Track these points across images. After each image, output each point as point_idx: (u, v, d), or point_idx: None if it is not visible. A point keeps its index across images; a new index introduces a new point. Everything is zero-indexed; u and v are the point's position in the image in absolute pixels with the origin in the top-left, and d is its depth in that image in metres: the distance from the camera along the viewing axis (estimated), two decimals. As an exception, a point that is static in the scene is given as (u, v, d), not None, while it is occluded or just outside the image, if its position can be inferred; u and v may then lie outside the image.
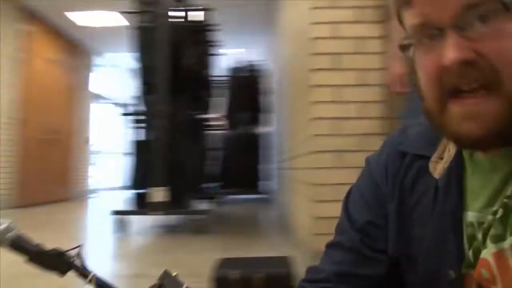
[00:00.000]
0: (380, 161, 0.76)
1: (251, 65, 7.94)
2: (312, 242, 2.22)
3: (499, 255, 0.57)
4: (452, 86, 0.55)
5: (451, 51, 0.52)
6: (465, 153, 0.64)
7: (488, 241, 0.59)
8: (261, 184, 7.44)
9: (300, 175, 2.83)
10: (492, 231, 0.59)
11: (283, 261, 1.85)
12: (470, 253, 0.61)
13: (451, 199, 0.63)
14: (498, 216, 0.58)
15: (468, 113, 0.54)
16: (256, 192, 7.36)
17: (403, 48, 0.60)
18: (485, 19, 0.52)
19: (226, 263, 1.86)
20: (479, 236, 0.61)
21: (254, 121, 7.75)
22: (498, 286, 0.57)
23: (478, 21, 0.52)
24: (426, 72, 0.58)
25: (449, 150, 0.66)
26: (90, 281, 0.80)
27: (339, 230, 0.77)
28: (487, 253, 0.59)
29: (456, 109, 0.55)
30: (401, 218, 0.70)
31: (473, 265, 0.61)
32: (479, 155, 0.62)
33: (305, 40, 2.43)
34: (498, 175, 0.60)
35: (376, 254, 0.71)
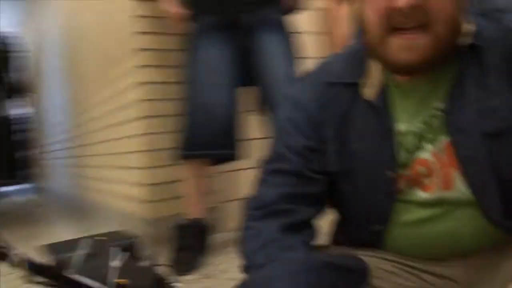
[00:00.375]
0: (309, 95, 0.85)
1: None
2: (145, 210, 2.18)
3: (436, 154, 0.76)
4: (397, 23, 0.69)
5: None
6: (389, 78, 0.79)
7: (427, 144, 0.76)
8: (23, 172, 6.59)
9: (116, 146, 2.69)
10: (429, 136, 0.76)
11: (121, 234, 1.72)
12: (404, 156, 0.77)
13: (384, 114, 0.78)
14: (433, 126, 0.75)
15: (407, 45, 0.69)
16: (16, 182, 6.46)
17: None
18: None
19: (61, 246, 1.62)
20: (412, 141, 0.77)
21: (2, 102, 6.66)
22: (433, 177, 0.76)
23: None
24: (376, 9, 0.70)
25: (374, 76, 0.80)
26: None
27: (276, 158, 0.84)
28: (426, 153, 0.76)
29: (397, 41, 0.70)
30: (340, 138, 0.81)
31: (406, 166, 0.77)
32: (401, 79, 0.78)
33: (124, 3, 2.31)
34: (419, 93, 0.77)
35: (315, 174, 0.82)
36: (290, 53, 1.86)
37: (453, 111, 0.74)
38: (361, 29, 0.76)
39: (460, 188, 0.75)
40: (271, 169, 0.84)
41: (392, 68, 0.75)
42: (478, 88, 0.74)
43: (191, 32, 1.84)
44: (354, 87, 0.82)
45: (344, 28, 2.41)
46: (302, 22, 2.10)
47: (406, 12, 0.67)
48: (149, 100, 2.15)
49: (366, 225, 0.82)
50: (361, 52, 0.82)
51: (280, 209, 0.80)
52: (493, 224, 0.75)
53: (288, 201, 0.80)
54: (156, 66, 2.15)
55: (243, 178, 2.21)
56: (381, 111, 0.78)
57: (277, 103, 1.76)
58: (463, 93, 0.74)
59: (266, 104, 1.83)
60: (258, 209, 0.81)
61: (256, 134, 2.04)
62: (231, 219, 2.01)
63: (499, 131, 0.72)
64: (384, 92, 0.79)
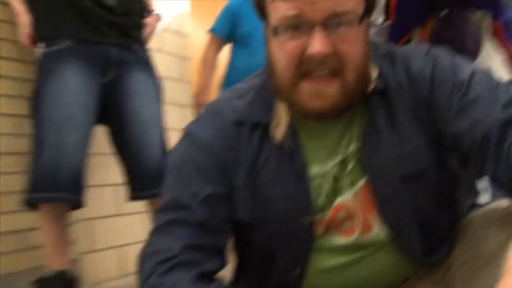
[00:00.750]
0: (214, 133, 0.78)
1: None
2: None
3: (355, 197, 0.76)
4: (309, 70, 0.69)
5: (318, 44, 0.66)
6: (298, 120, 0.77)
7: (344, 187, 0.76)
8: None
9: None
10: (346, 180, 0.76)
11: None
12: (321, 200, 0.76)
13: (296, 157, 0.76)
14: (349, 168, 0.76)
15: (317, 92, 0.70)
16: None
17: (275, 32, 0.70)
18: (344, 25, 0.68)
19: None
20: (329, 184, 0.76)
21: None
22: (353, 221, 0.76)
23: (339, 26, 0.68)
24: (288, 55, 0.69)
25: (283, 117, 0.77)
26: None
27: (176, 206, 0.75)
28: (346, 197, 0.76)
29: (308, 87, 0.70)
30: (252, 183, 0.76)
31: (323, 210, 0.76)
32: (309, 122, 0.77)
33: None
34: (331, 136, 0.77)
35: (222, 224, 0.76)
36: (157, 95, 1.77)
37: (369, 153, 0.75)
38: (269, 72, 0.75)
39: (379, 230, 0.75)
40: (170, 219, 0.75)
41: (302, 113, 0.74)
42: (391, 132, 0.75)
43: (44, 58, 1.62)
44: (262, 127, 0.78)
45: (210, 76, 2.44)
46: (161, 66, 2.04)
47: (318, 60, 0.67)
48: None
49: (283, 272, 0.78)
50: (267, 91, 0.79)
51: (188, 260, 0.72)
52: (412, 262, 0.78)
53: (195, 252, 0.73)
54: (7, 96, 1.87)
55: (104, 226, 2.02)
56: (292, 154, 0.76)
57: (144, 147, 1.68)
58: (377, 136, 0.75)
59: (126, 147, 1.70)
60: (163, 263, 0.72)
61: (114, 179, 1.90)
62: (92, 272, 1.80)
63: (413, 173, 0.74)
64: (294, 134, 0.77)
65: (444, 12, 1.51)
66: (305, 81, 0.70)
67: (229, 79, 2.43)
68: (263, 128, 0.77)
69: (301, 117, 0.76)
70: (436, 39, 1.49)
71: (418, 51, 0.80)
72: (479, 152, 0.69)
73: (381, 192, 0.74)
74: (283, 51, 0.70)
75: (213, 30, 2.46)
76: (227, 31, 2.42)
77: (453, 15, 1.51)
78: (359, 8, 0.69)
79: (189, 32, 2.75)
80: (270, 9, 0.71)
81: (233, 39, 2.44)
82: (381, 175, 0.74)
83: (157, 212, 0.79)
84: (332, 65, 0.68)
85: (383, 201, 0.74)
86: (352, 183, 0.76)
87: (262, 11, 0.73)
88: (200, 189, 0.75)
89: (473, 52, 1.56)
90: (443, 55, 0.78)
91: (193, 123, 0.83)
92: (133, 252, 1.74)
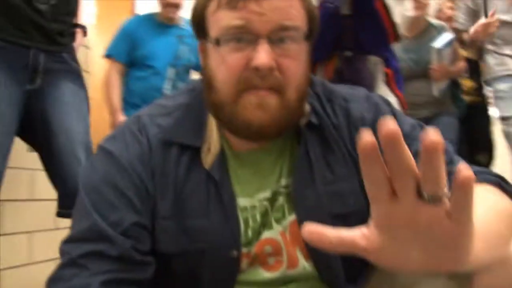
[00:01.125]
0: (138, 155, 0.71)
1: None
2: None
3: (283, 233, 0.73)
4: (252, 83, 0.66)
5: (264, 57, 0.64)
6: (226, 147, 0.75)
7: (274, 223, 0.74)
8: None
9: None
10: (274, 215, 0.74)
11: None
12: (248, 234, 0.73)
13: (225, 189, 0.72)
14: (278, 202, 0.74)
15: (259, 103, 0.66)
16: None
17: (217, 42, 0.67)
18: (289, 40, 0.67)
19: None
20: (256, 218, 0.73)
21: None
22: (279, 257, 0.73)
23: (283, 41, 0.66)
24: (231, 67, 0.66)
25: (214, 143, 0.73)
26: None
27: (95, 236, 0.66)
28: (274, 232, 0.73)
29: (250, 99, 0.66)
30: (178, 212, 0.70)
31: (250, 244, 0.73)
32: (240, 150, 0.75)
33: None
34: (261, 168, 0.75)
35: (145, 257, 0.69)
36: (86, 107, 1.63)
37: (300, 189, 0.73)
38: (206, 88, 0.71)
39: (304, 266, 0.74)
40: (89, 251, 0.65)
41: (245, 127, 0.69)
42: (324, 170, 0.74)
43: None
44: (191, 151, 0.73)
45: (118, 97, 2.36)
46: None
47: (263, 73, 0.65)
48: None
49: None
50: (197, 111, 0.75)
51: None
52: None
53: (113, 287, 0.65)
54: None
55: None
56: (221, 184, 0.72)
57: (71, 162, 1.52)
58: (309, 172, 0.73)
59: (53, 160, 1.54)
60: None
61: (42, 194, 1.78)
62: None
63: (344, 214, 0.73)
64: (223, 163, 0.73)
65: (348, 53, 1.62)
66: (245, 94, 0.67)
67: (125, 103, 2.39)
68: (193, 151, 0.72)
69: (236, 140, 0.74)
70: (339, 77, 1.60)
71: (357, 94, 0.80)
72: None
73: None
74: (225, 63, 0.67)
75: (111, 55, 2.41)
76: (125, 55, 2.37)
77: (355, 58, 1.63)
78: (304, 27, 0.69)
79: (92, 44, 2.64)
80: (211, 21, 0.69)
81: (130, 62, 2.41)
82: (310, 212, 0.72)
83: (68, 240, 0.68)
84: (275, 80, 0.66)
85: None
86: (281, 218, 0.74)
87: (200, 25, 0.70)
88: (123, 218, 0.67)
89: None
90: (383, 104, 0.79)
91: (112, 140, 0.74)
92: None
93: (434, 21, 2.57)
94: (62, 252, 0.67)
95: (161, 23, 2.46)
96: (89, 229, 0.66)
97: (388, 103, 0.80)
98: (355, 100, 0.78)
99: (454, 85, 2.63)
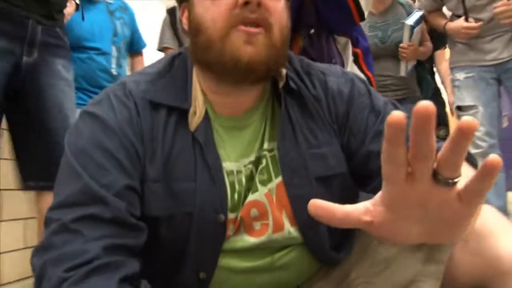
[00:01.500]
0: (126, 118, 0.70)
1: None
2: None
3: (269, 195, 0.75)
4: (242, 19, 0.68)
5: None
6: (211, 111, 0.76)
7: (259, 185, 0.75)
8: None
9: None
10: (259, 177, 0.75)
11: None
12: (234, 198, 0.74)
13: (210, 152, 0.73)
14: (263, 165, 0.76)
15: (248, 39, 0.68)
16: None
17: None
18: None
19: None
20: (242, 182, 0.75)
21: None
22: (264, 220, 0.75)
23: None
24: (220, 6, 0.69)
25: (199, 106, 0.74)
26: None
27: (87, 198, 0.64)
28: (259, 195, 0.75)
29: (238, 36, 0.68)
30: (166, 175, 0.70)
31: (236, 209, 0.74)
32: (222, 115, 0.77)
33: None
34: (245, 132, 0.77)
35: (138, 220, 0.68)
36: (73, 84, 1.62)
37: (285, 151, 0.75)
38: (194, 34, 0.73)
39: (289, 230, 0.75)
40: (81, 215, 0.63)
41: (230, 64, 0.69)
42: (307, 134, 0.76)
43: None
44: (178, 113, 0.73)
45: None
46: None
47: (252, 7, 0.67)
48: None
49: (188, 273, 0.74)
50: (183, 76, 0.76)
51: (108, 264, 0.61)
52: (321, 261, 0.80)
53: (113, 253, 0.63)
54: None
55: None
56: (205, 147, 0.73)
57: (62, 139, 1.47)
58: (293, 136, 0.75)
59: (41, 135, 1.49)
60: (76, 268, 0.59)
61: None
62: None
63: (327, 176, 0.76)
64: (209, 127, 0.74)
65: (312, 31, 1.58)
66: (234, 31, 0.68)
67: None
68: (180, 113, 0.73)
69: (219, 103, 0.76)
70: (305, 56, 1.60)
71: (334, 69, 0.84)
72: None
73: (295, 191, 0.74)
74: (213, 4, 0.69)
75: None
76: None
77: (320, 36, 1.60)
78: None
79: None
80: None
81: None
82: (296, 174, 0.74)
83: (57, 206, 0.65)
84: (262, 16, 0.69)
85: (296, 200, 0.74)
86: (266, 180, 0.75)
87: None
88: (115, 180, 0.65)
89: None
90: (357, 80, 0.82)
91: (97, 104, 0.72)
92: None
93: None
94: (50, 219, 0.64)
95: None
96: (80, 192, 0.64)
97: (362, 80, 0.83)
98: (332, 74, 0.82)
99: (420, 66, 2.58)
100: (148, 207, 0.69)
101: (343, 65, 1.62)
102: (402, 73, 2.39)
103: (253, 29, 0.68)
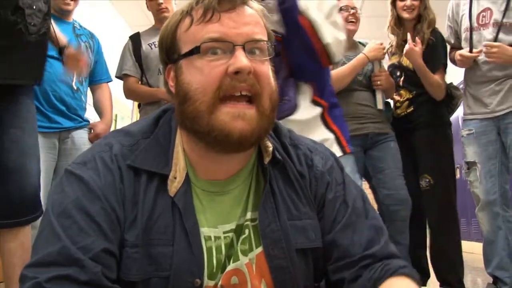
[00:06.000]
0: (109, 182, 0.72)
1: None
2: None
3: (249, 264, 0.77)
4: (229, 90, 0.70)
5: (244, 60, 0.70)
6: (192, 176, 0.77)
7: (240, 255, 0.77)
8: None
9: None
10: (241, 247, 0.77)
11: None
12: (213, 263, 0.75)
13: (188, 216, 0.74)
14: (245, 235, 0.78)
15: (238, 114, 0.71)
16: None
17: (190, 54, 0.72)
18: (259, 51, 0.74)
19: None
20: (221, 249, 0.76)
21: None
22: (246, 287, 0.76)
23: (255, 51, 0.74)
24: (209, 74, 0.70)
25: (180, 171, 0.75)
26: None
27: (65, 260, 0.65)
28: (240, 264, 0.77)
29: (228, 110, 0.70)
30: (145, 240, 0.72)
31: (215, 275, 0.75)
32: (204, 180, 0.78)
33: None
34: (225, 201, 0.78)
35: (112, 283, 0.68)
36: (35, 120, 1.60)
37: (266, 223, 0.77)
38: (180, 102, 0.74)
39: None
40: (55, 274, 0.64)
41: (221, 138, 0.71)
42: (289, 207, 0.79)
43: None
44: (159, 177, 0.75)
45: None
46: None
47: (242, 77, 0.70)
48: None
49: None
50: (165, 139, 0.78)
51: None
52: None
53: None
54: None
55: None
56: (184, 211, 0.74)
57: (23, 176, 1.46)
58: (274, 207, 0.78)
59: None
60: None
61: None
62: None
63: (307, 248, 0.79)
64: (187, 191, 0.76)
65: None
66: (224, 105, 0.71)
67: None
68: (161, 178, 0.75)
69: (202, 168, 0.78)
70: None
71: (320, 149, 0.88)
72: (349, 265, 0.77)
73: (276, 261, 0.77)
74: (203, 72, 0.71)
75: None
76: None
77: (277, 73, 1.53)
78: (268, 42, 0.76)
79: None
80: (183, 38, 0.75)
81: None
82: (276, 245, 0.77)
83: (34, 264, 0.66)
84: (252, 84, 0.71)
85: (277, 270, 0.77)
86: (247, 250, 0.77)
87: (171, 46, 0.76)
88: (93, 243, 0.67)
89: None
90: (337, 167, 0.87)
91: (82, 166, 0.74)
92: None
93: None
94: (25, 277, 0.65)
95: (55, 17, 2.18)
96: (58, 253, 0.65)
97: (341, 167, 0.88)
98: (318, 154, 0.86)
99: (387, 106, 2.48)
100: (125, 272, 0.71)
101: (295, 107, 1.54)
102: (379, 105, 2.33)
103: (242, 106, 0.71)
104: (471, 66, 2.25)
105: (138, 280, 0.71)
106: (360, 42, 2.49)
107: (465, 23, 2.26)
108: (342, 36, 1.55)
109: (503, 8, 2.14)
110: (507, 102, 2.11)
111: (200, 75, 0.71)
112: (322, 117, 1.59)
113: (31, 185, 1.50)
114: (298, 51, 1.51)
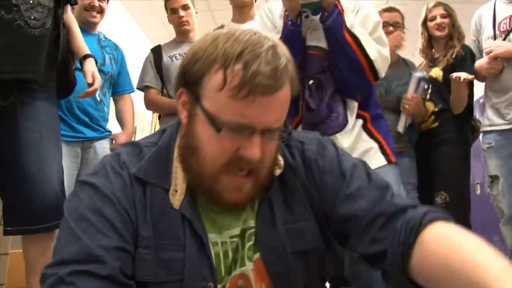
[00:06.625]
0: (121, 188, 0.76)
1: None
2: None
3: (254, 269, 0.80)
4: (235, 169, 0.74)
5: (257, 152, 0.72)
6: (196, 190, 0.79)
7: (247, 260, 0.80)
8: None
9: None
10: (245, 252, 0.80)
11: None
12: (221, 268, 0.78)
13: (197, 225, 0.77)
14: (248, 241, 0.80)
15: (237, 187, 0.75)
16: None
17: (217, 125, 0.72)
18: (273, 135, 0.75)
19: None
20: (228, 253, 0.79)
21: None
22: None
23: (270, 135, 0.74)
24: (223, 150, 0.73)
25: (180, 184, 0.78)
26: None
27: (86, 257, 0.68)
28: (246, 269, 0.80)
29: (229, 182, 0.75)
30: (156, 245, 0.75)
31: (223, 279, 0.78)
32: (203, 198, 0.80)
33: None
34: (228, 210, 0.80)
35: (129, 280, 0.72)
36: (57, 125, 1.60)
37: (263, 231, 0.80)
38: (188, 151, 0.77)
39: None
40: (78, 269, 0.67)
41: (217, 201, 0.77)
42: (284, 211, 0.81)
43: None
44: (164, 190, 0.78)
45: None
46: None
47: (251, 163, 0.73)
48: None
49: None
50: (166, 154, 0.80)
51: None
52: None
53: None
54: None
55: None
56: (193, 220, 0.77)
57: (42, 179, 1.47)
58: (271, 214, 0.80)
59: (18, 178, 1.46)
60: None
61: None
62: None
63: (303, 251, 0.81)
64: (191, 200, 0.78)
65: (311, 82, 1.58)
66: (226, 175, 0.74)
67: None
68: (163, 191, 0.78)
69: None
70: (305, 106, 1.58)
71: (310, 137, 0.89)
72: (364, 232, 0.77)
73: (274, 268, 0.79)
74: (218, 144, 0.72)
75: None
76: None
77: (323, 89, 1.57)
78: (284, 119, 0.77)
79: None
80: (209, 92, 0.72)
81: None
82: (273, 252, 0.79)
83: (55, 264, 0.69)
84: (255, 165, 0.74)
85: (276, 275, 0.79)
86: (252, 257, 0.80)
87: (193, 79, 0.74)
88: (110, 242, 0.71)
89: None
90: (329, 144, 0.88)
91: (94, 175, 0.78)
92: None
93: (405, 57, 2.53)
94: (46, 275, 0.68)
95: (81, 28, 2.23)
96: (78, 252, 0.69)
97: (333, 143, 0.90)
98: (309, 142, 0.88)
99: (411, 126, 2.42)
100: (137, 273, 0.73)
101: (346, 123, 1.57)
102: (400, 128, 2.26)
103: (243, 179, 0.75)
104: (490, 77, 2.24)
105: (149, 281, 0.74)
106: (404, 60, 2.50)
107: (488, 32, 2.26)
108: (387, 52, 1.57)
109: None
110: None
111: (215, 142, 0.73)
112: (365, 128, 1.60)
113: (51, 191, 1.50)
114: (343, 67, 1.52)
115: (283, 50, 0.73)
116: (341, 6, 1.50)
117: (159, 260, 0.74)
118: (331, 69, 1.55)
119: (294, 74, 0.75)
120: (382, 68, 1.54)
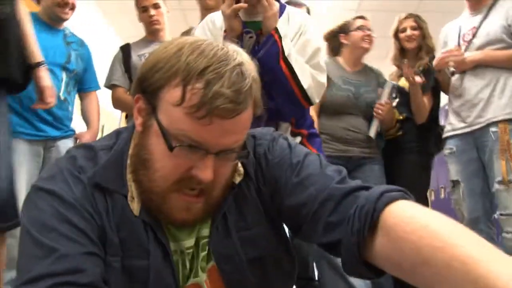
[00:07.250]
0: (82, 194, 0.72)
1: None
2: None
3: (208, 280, 0.79)
4: (186, 188, 0.71)
5: (209, 174, 0.69)
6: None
7: (200, 271, 0.78)
8: None
9: None
10: (201, 264, 0.79)
11: None
12: (180, 277, 0.77)
13: (158, 233, 0.75)
14: (202, 250, 0.79)
15: (186, 207, 0.73)
16: None
17: (169, 141, 0.68)
18: (230, 155, 0.72)
19: None
20: (186, 263, 0.78)
21: None
22: None
23: (226, 156, 0.71)
24: (174, 167, 0.70)
25: (134, 192, 0.75)
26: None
27: (60, 269, 0.64)
28: (200, 280, 0.78)
29: (178, 201, 0.72)
30: (122, 252, 0.73)
31: (181, 287, 0.77)
32: None
33: None
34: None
35: (107, 287, 0.70)
36: (8, 123, 1.54)
37: (217, 240, 0.78)
38: (139, 162, 0.74)
39: None
40: (59, 282, 0.63)
41: (165, 218, 0.75)
42: (238, 219, 0.79)
43: None
44: (123, 196, 0.75)
45: None
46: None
47: (202, 184, 0.70)
48: None
49: None
50: (120, 160, 0.77)
51: None
52: None
53: None
54: None
55: None
56: (156, 230, 0.75)
57: None
58: (225, 225, 0.79)
59: None
60: None
61: None
62: None
63: (259, 257, 0.80)
64: (149, 211, 0.75)
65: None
66: (176, 194, 0.72)
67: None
68: (122, 197, 0.75)
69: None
70: None
71: (264, 132, 0.87)
72: (314, 219, 0.73)
73: (229, 276, 0.78)
74: (170, 161, 0.70)
75: None
76: None
77: (259, 118, 1.58)
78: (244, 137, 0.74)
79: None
80: (166, 105, 0.68)
81: None
82: (228, 260, 0.78)
83: (26, 281, 0.64)
84: (207, 185, 0.71)
85: (232, 283, 0.78)
86: (205, 267, 0.79)
87: (151, 88, 0.70)
88: (87, 249, 0.67)
89: None
90: (281, 138, 0.86)
91: (50, 180, 0.72)
92: None
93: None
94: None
95: (46, 24, 2.22)
96: (53, 263, 0.64)
97: (284, 137, 0.87)
98: (262, 137, 0.85)
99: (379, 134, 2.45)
100: (109, 281, 0.71)
101: None
102: (372, 133, 2.30)
103: (194, 199, 0.73)
104: (453, 83, 2.29)
105: (113, 286, 0.71)
106: (370, 68, 2.53)
107: (453, 44, 2.32)
108: (323, 79, 1.62)
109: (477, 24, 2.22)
110: (484, 115, 2.12)
111: (168, 159, 0.69)
112: (301, 144, 1.62)
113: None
114: (278, 96, 1.55)
115: (250, 69, 0.70)
116: (278, 35, 1.51)
117: (125, 268, 0.72)
118: (266, 98, 1.58)
119: (259, 94, 0.72)
120: (316, 94, 1.60)
